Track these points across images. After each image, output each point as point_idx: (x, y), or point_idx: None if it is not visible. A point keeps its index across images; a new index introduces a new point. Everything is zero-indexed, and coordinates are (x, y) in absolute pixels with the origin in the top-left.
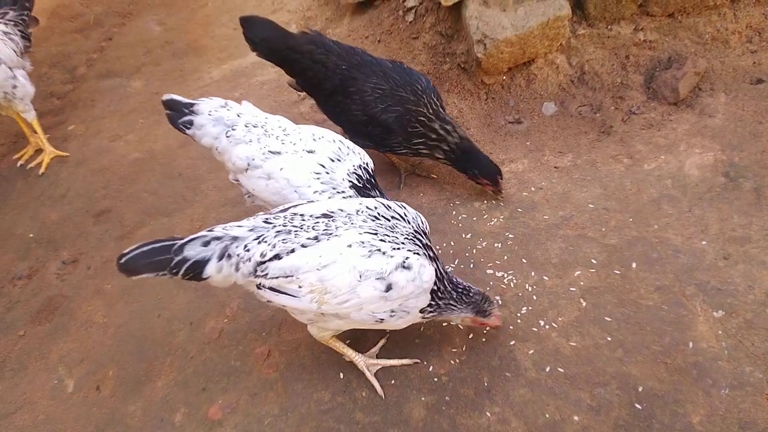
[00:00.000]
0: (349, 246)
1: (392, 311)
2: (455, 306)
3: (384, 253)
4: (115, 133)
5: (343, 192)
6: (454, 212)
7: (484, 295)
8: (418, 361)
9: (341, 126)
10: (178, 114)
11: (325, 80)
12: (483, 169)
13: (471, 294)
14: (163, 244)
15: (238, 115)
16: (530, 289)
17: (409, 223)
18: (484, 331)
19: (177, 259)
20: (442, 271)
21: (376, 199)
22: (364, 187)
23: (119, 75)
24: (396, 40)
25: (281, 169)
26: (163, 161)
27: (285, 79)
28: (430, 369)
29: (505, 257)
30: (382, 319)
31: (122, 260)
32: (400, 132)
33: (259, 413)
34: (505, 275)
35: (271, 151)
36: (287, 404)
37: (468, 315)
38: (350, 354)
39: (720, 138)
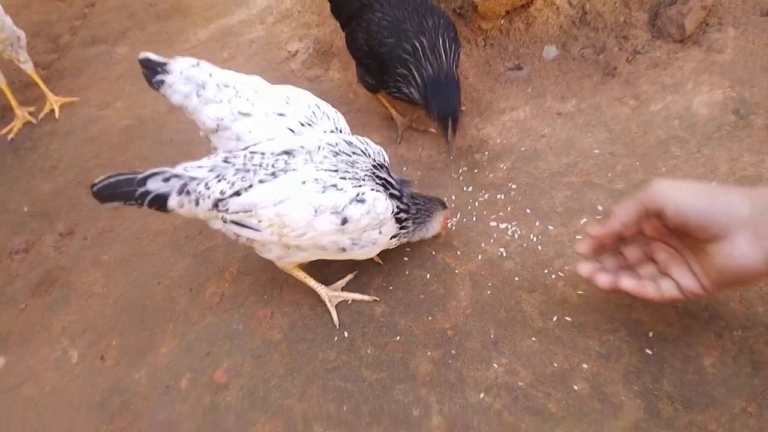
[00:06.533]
0: (304, 183)
1: (353, 242)
2: (432, 213)
3: (340, 189)
4: (103, 101)
5: None
6: (454, 165)
7: (437, 197)
8: (377, 299)
9: (354, 58)
10: (153, 73)
11: (346, 5)
12: (437, 103)
13: (431, 199)
14: (126, 177)
15: (210, 75)
16: (535, 239)
17: (370, 157)
18: (487, 280)
19: (141, 190)
20: (406, 197)
21: (338, 135)
22: None
23: (104, 41)
24: None
25: (249, 131)
26: (153, 127)
27: (273, 37)
28: (435, 324)
29: (509, 208)
30: (344, 249)
31: (94, 188)
32: (392, 67)
33: (265, 375)
34: (509, 226)
35: (240, 113)
36: (292, 365)
37: (440, 214)
38: (313, 284)
39: (729, 74)
